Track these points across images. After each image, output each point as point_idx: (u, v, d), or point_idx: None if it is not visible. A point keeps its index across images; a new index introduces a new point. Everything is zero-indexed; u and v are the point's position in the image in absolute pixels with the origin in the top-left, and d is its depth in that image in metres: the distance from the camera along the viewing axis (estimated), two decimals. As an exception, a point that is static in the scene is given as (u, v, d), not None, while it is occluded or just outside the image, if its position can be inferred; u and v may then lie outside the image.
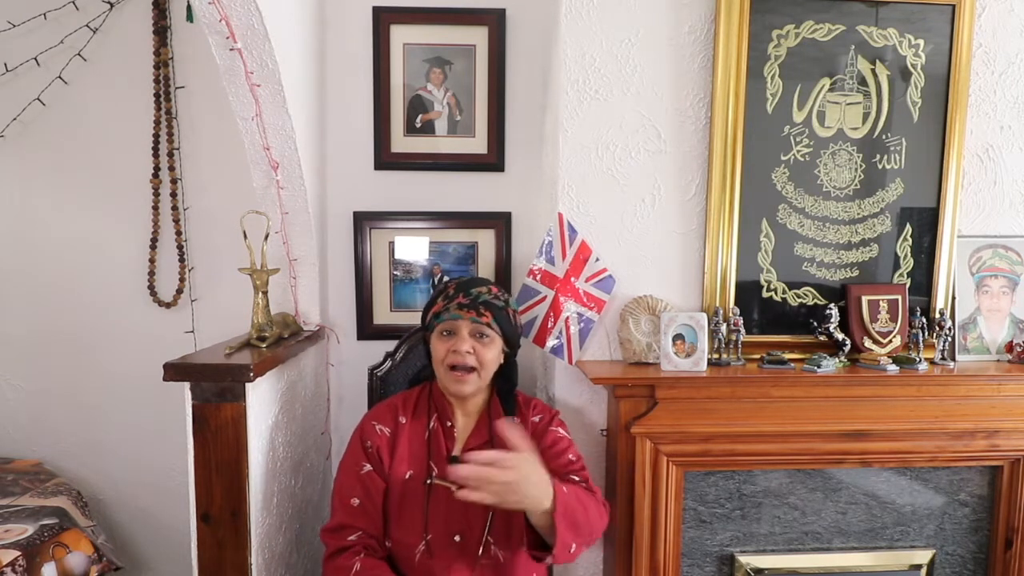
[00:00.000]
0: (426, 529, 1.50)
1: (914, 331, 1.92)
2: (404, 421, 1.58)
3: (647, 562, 1.82)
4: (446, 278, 2.24)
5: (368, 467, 1.54)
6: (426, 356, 1.68)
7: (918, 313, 1.94)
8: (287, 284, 2.02)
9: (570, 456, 1.59)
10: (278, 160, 1.81)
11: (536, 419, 1.62)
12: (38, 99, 2.18)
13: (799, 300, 1.97)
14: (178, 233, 2.25)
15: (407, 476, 1.53)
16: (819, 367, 1.82)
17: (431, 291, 2.25)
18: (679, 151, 1.92)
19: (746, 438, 1.81)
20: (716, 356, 1.88)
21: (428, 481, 1.52)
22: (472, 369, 1.53)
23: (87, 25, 2.16)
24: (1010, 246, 2.03)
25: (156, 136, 2.21)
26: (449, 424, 1.59)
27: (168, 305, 2.27)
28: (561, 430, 1.62)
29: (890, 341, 1.92)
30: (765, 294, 1.96)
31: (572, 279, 1.88)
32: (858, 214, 1.96)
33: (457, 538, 1.51)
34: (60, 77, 2.18)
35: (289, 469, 1.84)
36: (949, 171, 1.94)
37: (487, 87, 2.19)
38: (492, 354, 1.55)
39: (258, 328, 1.73)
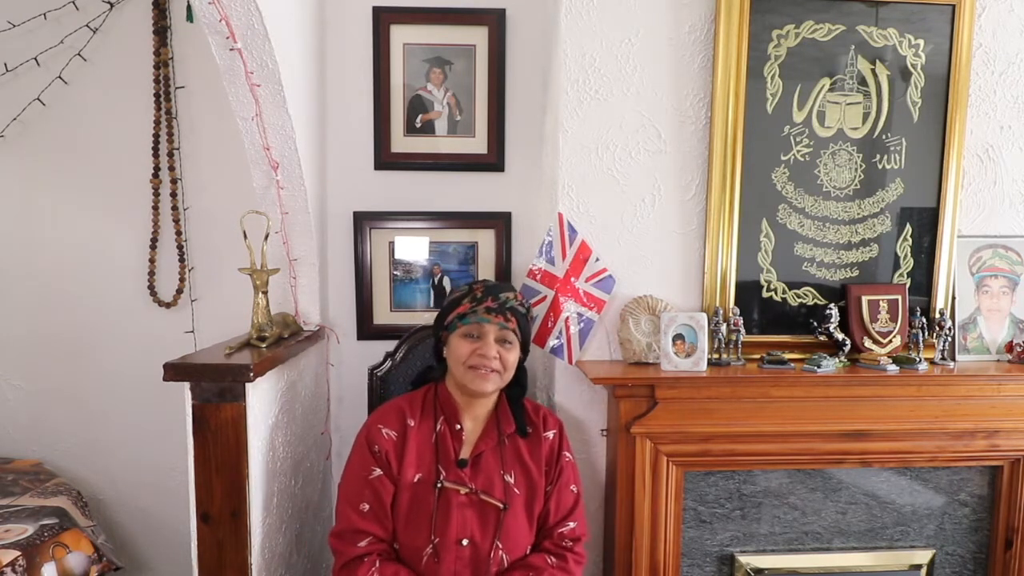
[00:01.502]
0: (433, 532, 1.50)
1: (914, 331, 1.92)
2: (413, 424, 1.58)
3: (647, 562, 1.82)
4: (446, 278, 2.25)
5: (378, 471, 1.53)
6: (434, 356, 1.69)
7: (918, 313, 1.94)
8: (287, 284, 2.02)
9: (572, 488, 1.61)
10: (278, 160, 1.81)
11: (550, 435, 1.63)
12: (38, 99, 2.18)
13: (799, 300, 1.97)
14: (178, 233, 2.25)
15: (415, 479, 1.53)
16: (819, 367, 1.82)
17: (431, 291, 2.26)
18: (679, 151, 1.92)
19: (746, 438, 1.81)
20: (716, 356, 1.88)
21: (438, 484, 1.52)
22: (495, 369, 1.55)
23: (87, 25, 2.16)
24: (1010, 246, 2.03)
25: (156, 136, 2.21)
26: (458, 427, 1.59)
27: (168, 305, 2.27)
28: (568, 454, 1.64)
29: (890, 341, 1.92)
30: (765, 294, 1.96)
31: (572, 279, 1.88)
32: (858, 214, 1.96)
33: (464, 542, 1.51)
34: (60, 77, 2.18)
35: (289, 469, 1.83)
36: (949, 171, 1.94)
37: (487, 87, 2.19)
38: (513, 358, 1.58)
39: (258, 328, 1.73)
